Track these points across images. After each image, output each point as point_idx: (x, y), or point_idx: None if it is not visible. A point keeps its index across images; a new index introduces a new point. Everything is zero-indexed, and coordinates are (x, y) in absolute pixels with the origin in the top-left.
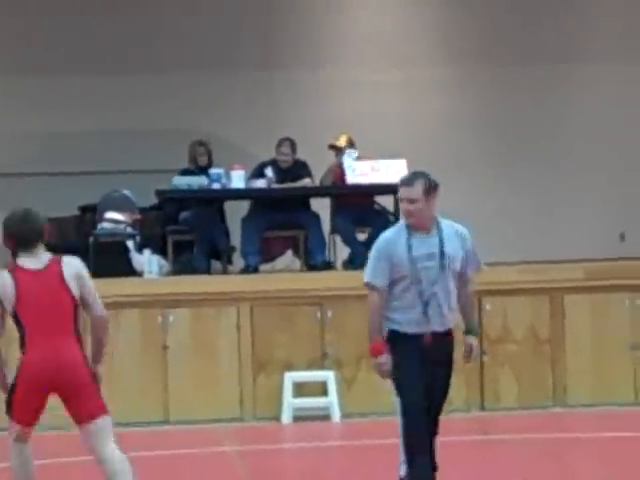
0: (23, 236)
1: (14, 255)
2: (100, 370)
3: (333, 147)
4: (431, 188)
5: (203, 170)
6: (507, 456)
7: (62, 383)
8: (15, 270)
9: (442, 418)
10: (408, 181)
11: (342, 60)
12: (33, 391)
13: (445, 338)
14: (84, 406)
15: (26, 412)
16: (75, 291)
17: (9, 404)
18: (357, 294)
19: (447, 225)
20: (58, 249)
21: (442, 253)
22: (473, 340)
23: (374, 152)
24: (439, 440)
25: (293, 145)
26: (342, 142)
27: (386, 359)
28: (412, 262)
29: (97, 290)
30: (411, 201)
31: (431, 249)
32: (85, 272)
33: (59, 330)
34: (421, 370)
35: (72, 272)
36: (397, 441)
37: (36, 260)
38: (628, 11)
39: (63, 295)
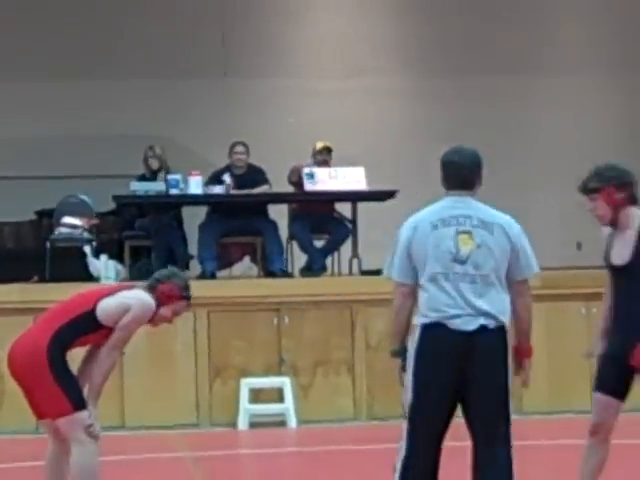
0: None
1: None
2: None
3: (313, 149)
4: None
5: (154, 174)
6: (462, 464)
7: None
8: None
9: (386, 425)
10: None
11: (301, 68)
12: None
13: None
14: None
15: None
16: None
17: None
18: (314, 300)
19: None
20: (15, 253)
21: None
22: None
23: (332, 160)
24: None
25: (246, 147)
26: (321, 146)
27: None
28: None
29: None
30: None
31: None
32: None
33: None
34: None
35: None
36: (351, 447)
37: None
38: (588, 22)
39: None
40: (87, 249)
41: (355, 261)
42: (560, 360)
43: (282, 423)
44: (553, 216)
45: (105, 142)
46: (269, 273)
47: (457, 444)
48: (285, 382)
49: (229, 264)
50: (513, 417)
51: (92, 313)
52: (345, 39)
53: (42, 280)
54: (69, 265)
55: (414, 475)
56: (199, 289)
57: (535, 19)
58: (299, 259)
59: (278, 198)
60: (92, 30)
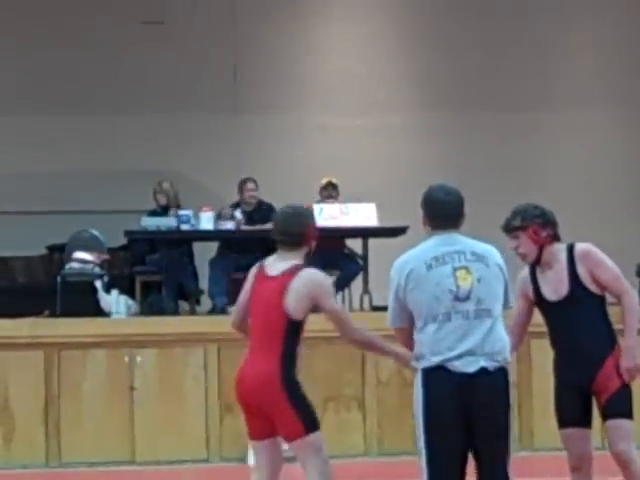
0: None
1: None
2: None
3: (330, 185)
4: None
5: (165, 209)
6: None
7: (255, 402)
8: (258, 269)
9: (397, 461)
10: None
11: (311, 104)
12: (240, 404)
13: None
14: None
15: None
16: (292, 308)
17: None
18: (325, 336)
19: None
20: (26, 288)
21: None
22: None
23: (343, 196)
24: None
25: (256, 183)
26: (328, 182)
27: None
28: None
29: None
30: None
31: None
32: (325, 295)
33: (262, 345)
34: None
35: (301, 289)
36: None
37: (282, 264)
38: (596, 55)
39: (275, 312)
40: (98, 284)
41: (366, 297)
42: None
43: (292, 459)
44: None
45: (117, 177)
46: None
47: None
48: None
49: None
50: (525, 454)
51: (290, 319)
52: (357, 75)
53: (53, 315)
54: (80, 300)
55: None
56: (210, 324)
57: (548, 54)
58: None
59: None
60: (104, 64)
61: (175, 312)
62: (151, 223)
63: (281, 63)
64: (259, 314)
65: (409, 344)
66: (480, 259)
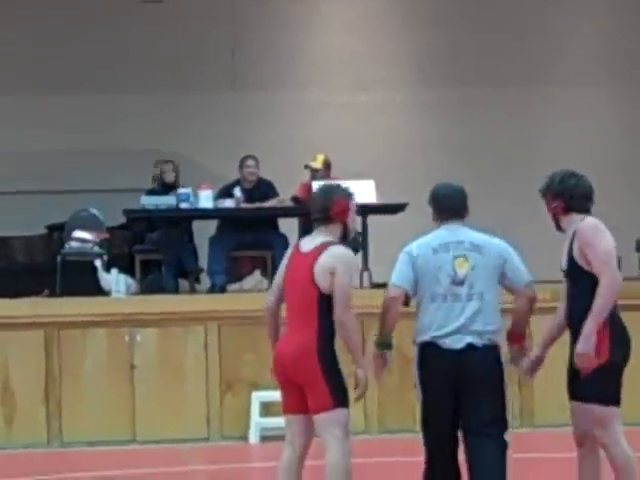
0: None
1: None
2: (359, 374)
3: (308, 168)
4: None
5: (170, 188)
6: None
7: (290, 375)
8: (294, 248)
9: (397, 438)
10: None
11: (310, 81)
12: (277, 379)
13: None
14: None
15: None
16: (322, 281)
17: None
18: None
19: None
20: (25, 267)
21: None
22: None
23: (342, 173)
24: None
25: (256, 161)
26: (318, 163)
27: None
28: None
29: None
30: None
31: None
32: (341, 268)
33: (299, 320)
34: None
35: (328, 263)
36: (358, 460)
37: (315, 240)
38: (601, 34)
39: (308, 286)
40: (98, 263)
41: (366, 274)
42: None
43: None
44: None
45: (115, 156)
46: None
47: None
48: None
49: (239, 278)
50: (525, 430)
51: (321, 293)
52: (354, 52)
53: (53, 294)
54: (80, 279)
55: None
56: (210, 303)
57: (546, 31)
58: None
59: (289, 212)
60: (103, 44)
61: (175, 290)
62: (150, 202)
63: (280, 41)
64: (294, 290)
65: (395, 317)
66: (476, 249)
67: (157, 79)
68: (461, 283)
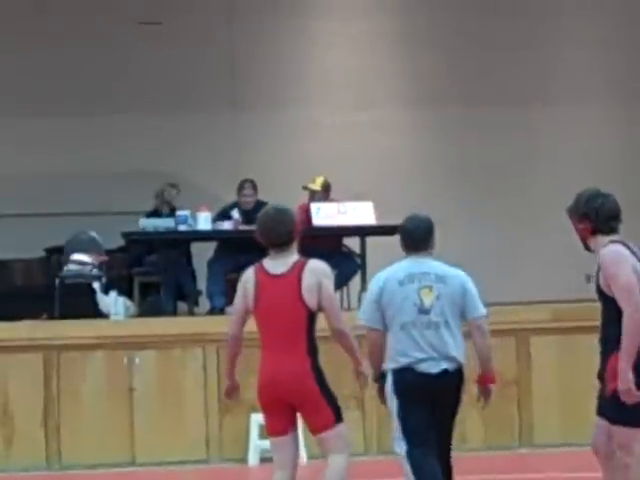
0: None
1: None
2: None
3: (307, 189)
4: None
5: (172, 211)
6: None
7: (290, 398)
8: (257, 272)
9: (393, 460)
10: None
11: (308, 101)
12: (266, 403)
13: None
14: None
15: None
16: (309, 299)
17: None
18: (323, 335)
19: None
20: (24, 290)
21: None
22: None
23: (341, 193)
24: None
25: (254, 186)
26: (317, 185)
27: None
28: None
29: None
30: None
31: None
32: (326, 281)
33: (288, 342)
34: None
35: (312, 280)
36: None
37: (284, 261)
38: (591, 53)
39: (296, 307)
40: (96, 286)
41: (364, 295)
42: (572, 392)
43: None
44: (561, 248)
45: (113, 179)
46: None
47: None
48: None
49: None
50: (525, 450)
51: (309, 312)
52: (354, 71)
53: (51, 317)
54: (78, 302)
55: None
56: (208, 325)
57: (545, 50)
58: None
59: None
60: (102, 65)
61: (173, 313)
62: (149, 224)
63: (279, 61)
64: (276, 313)
65: (381, 355)
66: (441, 280)
67: (156, 100)
68: (427, 312)
